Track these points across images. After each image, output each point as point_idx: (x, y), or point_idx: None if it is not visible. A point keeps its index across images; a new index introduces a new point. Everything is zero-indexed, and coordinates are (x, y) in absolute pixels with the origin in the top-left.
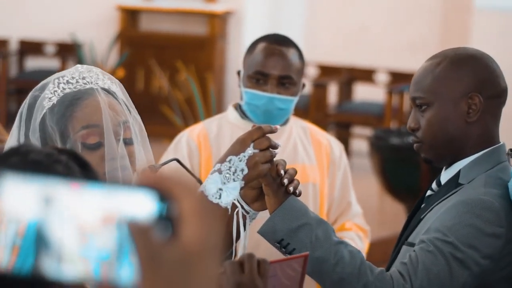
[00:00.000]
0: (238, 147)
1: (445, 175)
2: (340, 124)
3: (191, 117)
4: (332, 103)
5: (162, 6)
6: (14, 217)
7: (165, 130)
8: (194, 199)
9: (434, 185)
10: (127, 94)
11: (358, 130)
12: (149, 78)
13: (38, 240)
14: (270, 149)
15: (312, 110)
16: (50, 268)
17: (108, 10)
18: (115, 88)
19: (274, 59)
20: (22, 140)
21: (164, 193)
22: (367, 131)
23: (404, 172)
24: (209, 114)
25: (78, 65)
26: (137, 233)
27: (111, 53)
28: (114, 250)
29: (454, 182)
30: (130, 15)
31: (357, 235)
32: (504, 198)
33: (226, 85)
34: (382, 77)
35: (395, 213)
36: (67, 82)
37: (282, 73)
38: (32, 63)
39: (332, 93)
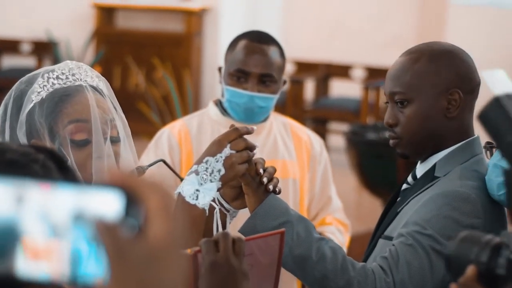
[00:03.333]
0: (214, 148)
1: (421, 168)
2: (317, 120)
3: (168, 114)
4: (308, 99)
5: (138, 3)
6: None
7: (143, 127)
8: (160, 196)
9: (409, 179)
10: (112, 92)
11: (334, 125)
12: (125, 76)
13: (10, 239)
14: (248, 150)
15: (289, 106)
16: (23, 267)
17: (84, 8)
18: (102, 86)
19: (255, 57)
20: (7, 132)
21: (130, 192)
22: (343, 127)
23: (381, 167)
24: (186, 111)
25: (68, 61)
26: (104, 231)
27: (87, 50)
28: (84, 247)
29: (430, 175)
30: (106, 13)
31: (337, 230)
32: (481, 190)
33: (202, 82)
34: (358, 73)
35: (373, 208)
36: (57, 77)
37: (263, 71)
38: (8, 61)
39: (309, 89)
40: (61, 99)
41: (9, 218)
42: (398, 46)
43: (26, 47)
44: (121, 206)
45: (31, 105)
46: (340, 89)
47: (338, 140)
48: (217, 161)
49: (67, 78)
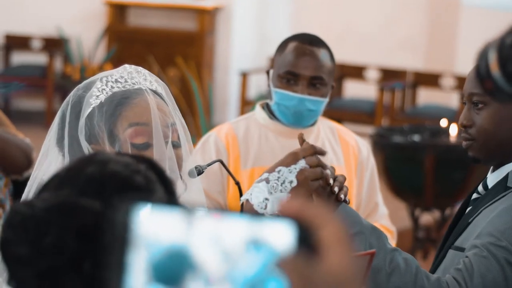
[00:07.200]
0: (289, 160)
1: (492, 178)
2: None
3: (188, 114)
4: None
5: (151, 1)
6: (155, 241)
7: None
8: (336, 226)
9: (480, 188)
10: (172, 97)
11: (348, 127)
12: None
13: (181, 265)
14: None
15: None
16: None
17: (96, 5)
18: (161, 90)
19: (306, 59)
20: (66, 140)
21: (303, 221)
22: (357, 128)
23: (407, 170)
24: (207, 110)
25: (126, 65)
26: (287, 265)
27: (98, 48)
28: (257, 276)
29: (503, 185)
30: (118, 10)
31: None
32: None
33: (215, 81)
34: (372, 74)
35: (389, 208)
36: (116, 81)
37: (313, 74)
38: (19, 58)
39: None
40: (121, 102)
41: (180, 244)
42: (409, 49)
43: (36, 44)
44: (294, 235)
45: (90, 109)
46: (354, 90)
47: None
48: (290, 172)
49: (126, 81)
